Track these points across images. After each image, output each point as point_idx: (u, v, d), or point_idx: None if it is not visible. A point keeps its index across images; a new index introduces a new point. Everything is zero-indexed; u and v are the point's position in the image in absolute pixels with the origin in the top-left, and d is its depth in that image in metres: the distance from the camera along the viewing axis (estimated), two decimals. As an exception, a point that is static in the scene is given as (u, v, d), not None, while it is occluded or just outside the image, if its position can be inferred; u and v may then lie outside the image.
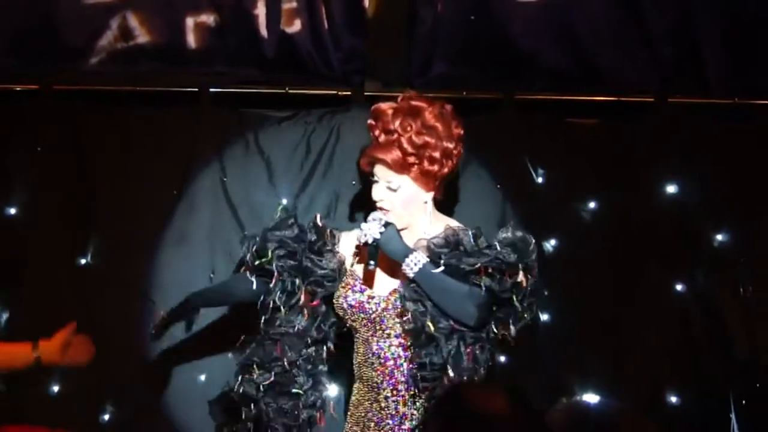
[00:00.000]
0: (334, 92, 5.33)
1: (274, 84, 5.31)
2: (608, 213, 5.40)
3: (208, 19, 5.24)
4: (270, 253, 4.45)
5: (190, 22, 5.24)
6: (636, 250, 5.37)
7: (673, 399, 5.34)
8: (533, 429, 3.79)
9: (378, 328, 4.46)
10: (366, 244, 4.33)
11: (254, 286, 4.49)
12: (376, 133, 4.45)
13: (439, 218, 4.55)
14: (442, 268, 4.28)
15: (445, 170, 4.44)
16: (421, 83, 5.29)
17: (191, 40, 5.24)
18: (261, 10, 5.23)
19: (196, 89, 5.27)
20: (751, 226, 5.42)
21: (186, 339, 5.01)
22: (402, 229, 4.42)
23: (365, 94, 5.33)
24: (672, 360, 5.34)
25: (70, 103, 5.26)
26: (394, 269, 4.44)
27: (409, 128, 4.38)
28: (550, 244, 5.34)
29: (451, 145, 4.42)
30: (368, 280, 4.48)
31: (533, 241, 4.39)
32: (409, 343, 4.37)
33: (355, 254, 4.57)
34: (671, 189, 5.39)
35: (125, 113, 5.28)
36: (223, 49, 5.26)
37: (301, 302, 4.48)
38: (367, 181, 4.76)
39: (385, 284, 4.49)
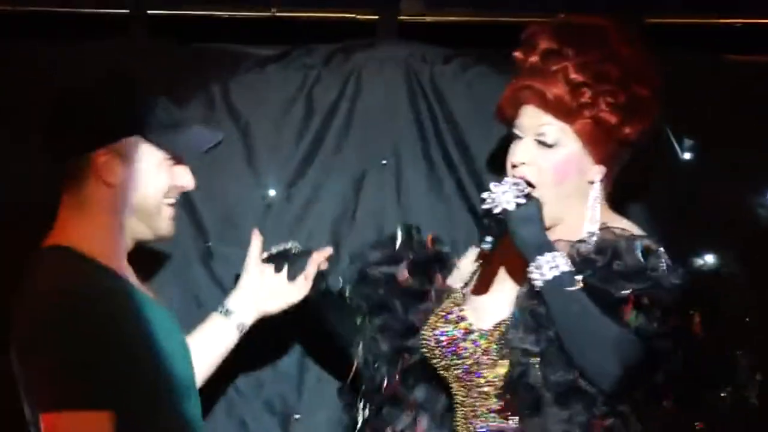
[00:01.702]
0: (351, 16, 4.05)
1: (251, 2, 4.05)
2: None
3: None
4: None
5: None
6: None
7: None
8: None
9: (475, 382, 3.48)
10: (489, 215, 3.32)
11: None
12: (532, 59, 3.43)
13: (610, 216, 3.49)
14: (580, 285, 3.27)
15: (628, 131, 3.38)
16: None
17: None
18: None
19: (127, 11, 3.98)
20: None
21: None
22: (551, 226, 3.41)
23: (399, 18, 4.03)
24: None
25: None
26: (515, 272, 3.42)
27: (586, 51, 3.37)
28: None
29: (645, 93, 3.37)
30: (484, 275, 3.51)
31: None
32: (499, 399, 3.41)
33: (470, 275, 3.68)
34: None
35: (31, 46, 4.01)
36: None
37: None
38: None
39: (492, 309, 3.45)
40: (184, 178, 3.20)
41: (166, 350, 3.05)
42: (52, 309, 2.81)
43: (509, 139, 3.43)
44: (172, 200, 3.20)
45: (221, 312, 3.55)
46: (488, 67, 3.92)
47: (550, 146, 3.36)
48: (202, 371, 3.55)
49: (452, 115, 3.97)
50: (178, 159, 3.20)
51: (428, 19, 4.09)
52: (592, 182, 3.39)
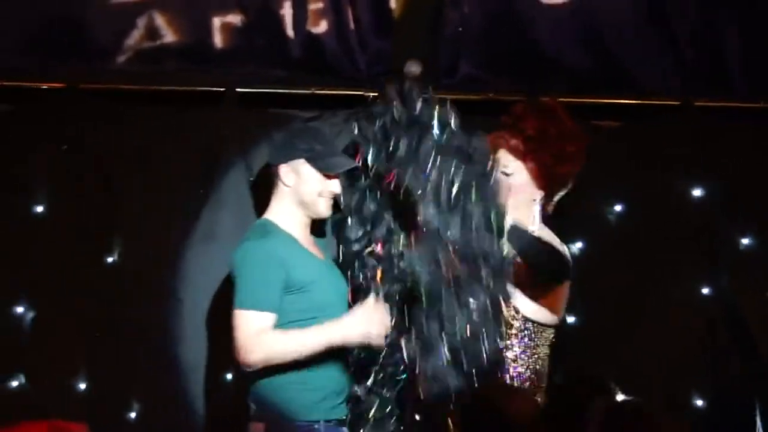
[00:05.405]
0: (360, 93, 5.23)
1: (300, 84, 5.31)
2: (634, 216, 5.41)
3: (235, 19, 5.28)
4: None
5: (216, 22, 5.28)
6: (662, 253, 5.38)
7: (699, 402, 5.33)
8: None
9: None
10: None
11: None
12: (507, 121, 4.63)
13: (545, 228, 4.60)
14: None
15: (558, 170, 4.51)
16: (448, 85, 5.33)
17: (217, 40, 5.28)
18: (287, 11, 5.29)
19: (223, 89, 5.26)
20: (776, 229, 5.38)
21: (212, 336, 5.06)
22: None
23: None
24: (697, 362, 5.36)
25: (96, 102, 5.24)
26: None
27: (533, 118, 4.52)
28: (577, 247, 5.31)
29: (572, 149, 4.52)
30: None
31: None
32: None
33: None
34: (697, 192, 5.39)
35: (151, 113, 5.27)
36: (250, 50, 5.30)
37: None
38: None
39: None
40: (333, 186, 4.40)
41: (313, 279, 4.29)
42: None
43: None
44: (326, 197, 4.39)
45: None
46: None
47: (508, 175, 4.51)
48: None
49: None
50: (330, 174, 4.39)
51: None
52: (534, 200, 4.57)
